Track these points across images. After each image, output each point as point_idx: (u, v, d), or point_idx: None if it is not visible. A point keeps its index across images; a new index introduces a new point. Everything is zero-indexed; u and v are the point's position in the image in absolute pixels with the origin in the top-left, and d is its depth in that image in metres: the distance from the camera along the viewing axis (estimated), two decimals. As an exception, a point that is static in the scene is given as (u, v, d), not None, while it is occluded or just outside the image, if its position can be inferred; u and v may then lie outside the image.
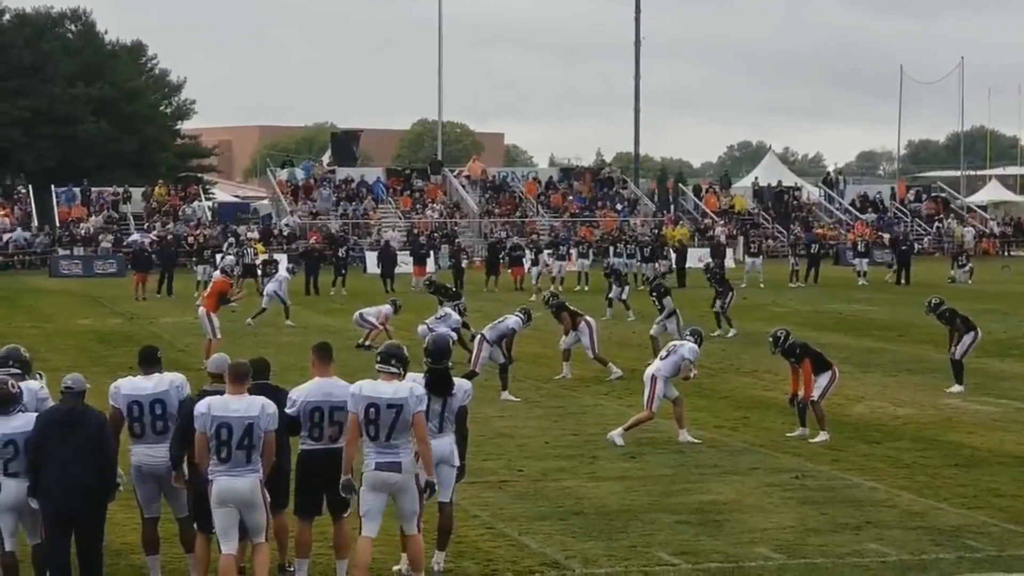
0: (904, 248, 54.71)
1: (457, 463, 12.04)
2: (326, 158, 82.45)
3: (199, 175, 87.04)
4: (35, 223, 66.81)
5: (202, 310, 27.32)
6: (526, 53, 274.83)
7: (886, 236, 69.98)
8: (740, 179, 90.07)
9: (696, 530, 13.91)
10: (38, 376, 12.86)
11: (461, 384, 12.18)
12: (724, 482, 16.22)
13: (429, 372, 11.95)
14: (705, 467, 17.13)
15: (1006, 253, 72.70)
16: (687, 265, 52.53)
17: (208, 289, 28.15)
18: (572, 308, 25.84)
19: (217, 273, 31.09)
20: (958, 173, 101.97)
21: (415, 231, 65.18)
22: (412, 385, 11.49)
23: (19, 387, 11.59)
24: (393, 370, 11.45)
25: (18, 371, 12.21)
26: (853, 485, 16.09)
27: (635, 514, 14.62)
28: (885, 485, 16.05)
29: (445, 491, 12.06)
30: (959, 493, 15.60)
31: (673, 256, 52.94)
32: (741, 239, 64.42)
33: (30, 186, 70.02)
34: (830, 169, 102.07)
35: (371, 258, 58.41)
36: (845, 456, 17.83)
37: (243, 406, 11.04)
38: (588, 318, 25.53)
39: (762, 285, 49.81)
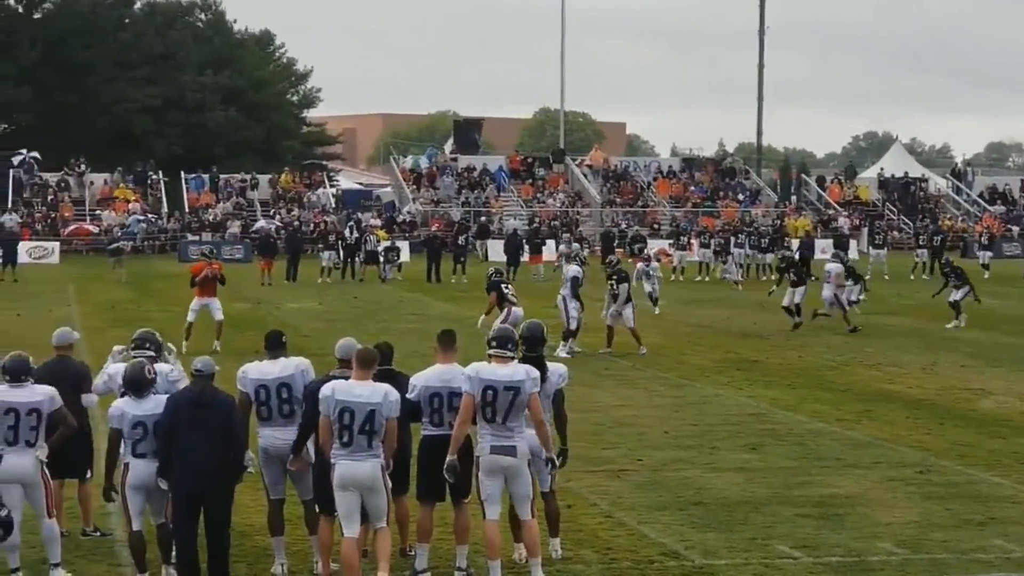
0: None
1: (549, 454, 11.99)
2: (448, 146, 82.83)
3: (324, 162, 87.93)
4: (165, 209, 67.96)
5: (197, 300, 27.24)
6: (647, 41, 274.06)
7: (1015, 229, 68.80)
8: (865, 170, 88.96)
9: (817, 523, 13.81)
10: (168, 354, 13.10)
11: (556, 368, 12.22)
12: (846, 475, 16.08)
13: (524, 359, 11.98)
14: (827, 460, 17.00)
15: None
16: (814, 256, 51.96)
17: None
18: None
19: (204, 252, 30.46)
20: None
21: (536, 220, 65.28)
22: (527, 367, 11.58)
23: (154, 372, 11.85)
24: (508, 354, 11.54)
25: (152, 354, 12.49)
26: (978, 481, 15.87)
27: (755, 506, 14.55)
28: (1011, 481, 15.81)
29: (543, 481, 12.10)
30: (1088, 491, 15.33)
31: (795, 246, 52.43)
32: (865, 230, 63.64)
33: (160, 172, 71.22)
34: (958, 160, 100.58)
35: (492, 245, 58.65)
36: (971, 451, 17.59)
37: (367, 392, 11.17)
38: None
39: (887, 277, 49.21)
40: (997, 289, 44.50)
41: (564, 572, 11.97)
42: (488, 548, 11.53)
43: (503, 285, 25.87)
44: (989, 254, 53.41)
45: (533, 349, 12.17)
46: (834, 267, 32.25)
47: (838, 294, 31.89)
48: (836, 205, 73.09)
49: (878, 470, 16.39)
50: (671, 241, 53.50)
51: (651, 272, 32.92)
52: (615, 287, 27.26)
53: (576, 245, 49.03)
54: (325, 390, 11.23)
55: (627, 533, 13.44)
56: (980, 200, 76.11)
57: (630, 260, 45.32)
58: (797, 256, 37.32)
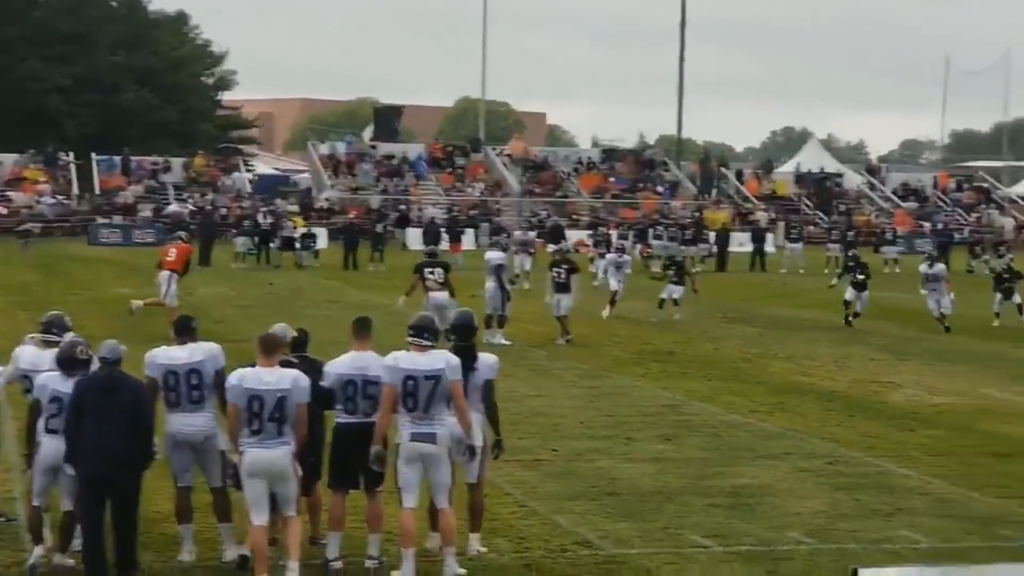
0: (945, 237, 54.46)
1: (480, 443, 11.95)
2: (368, 133, 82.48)
3: (239, 147, 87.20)
4: (75, 191, 67.10)
5: (166, 273, 27.37)
6: (569, 33, 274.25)
7: (927, 225, 69.64)
8: (782, 164, 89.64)
9: (729, 513, 13.89)
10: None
11: (486, 359, 12.14)
12: (758, 466, 16.19)
13: (454, 348, 11.93)
14: (740, 451, 17.10)
15: (1048, 244, 72.13)
16: (729, 249, 52.33)
17: (174, 255, 27.78)
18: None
19: (182, 235, 30.47)
20: (1001, 163, 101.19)
21: (455, 208, 65.18)
22: (447, 355, 11.53)
23: (90, 354, 11.63)
24: (426, 343, 11.47)
25: (58, 338, 12.29)
26: (886, 472, 16.03)
27: (668, 496, 14.61)
28: (918, 473, 15.98)
29: (471, 472, 12.03)
30: (994, 483, 15.51)
31: (713, 239, 52.80)
32: (782, 224, 64.15)
33: (71, 153, 70.28)
34: (873, 157, 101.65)
35: (412, 234, 58.54)
36: (880, 443, 17.77)
37: (275, 378, 11.07)
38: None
39: (802, 271, 49.64)
40: (908, 284, 44.98)
41: (476, 562, 11.93)
42: (402, 537, 11.44)
43: (426, 268, 25.73)
44: (896, 249, 53.99)
45: (464, 338, 12.10)
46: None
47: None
48: (754, 199, 73.62)
49: (789, 461, 16.51)
50: (590, 232, 53.60)
51: (621, 264, 32.67)
52: (561, 276, 27.51)
53: (532, 233, 48.63)
54: (232, 378, 11.13)
55: (540, 522, 13.43)
56: (893, 196, 76.93)
57: (592, 251, 45.57)
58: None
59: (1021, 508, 14.31)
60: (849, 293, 32.16)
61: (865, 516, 13.89)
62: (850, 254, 36.70)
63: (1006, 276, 33.99)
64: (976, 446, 17.65)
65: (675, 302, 31.70)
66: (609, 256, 33.64)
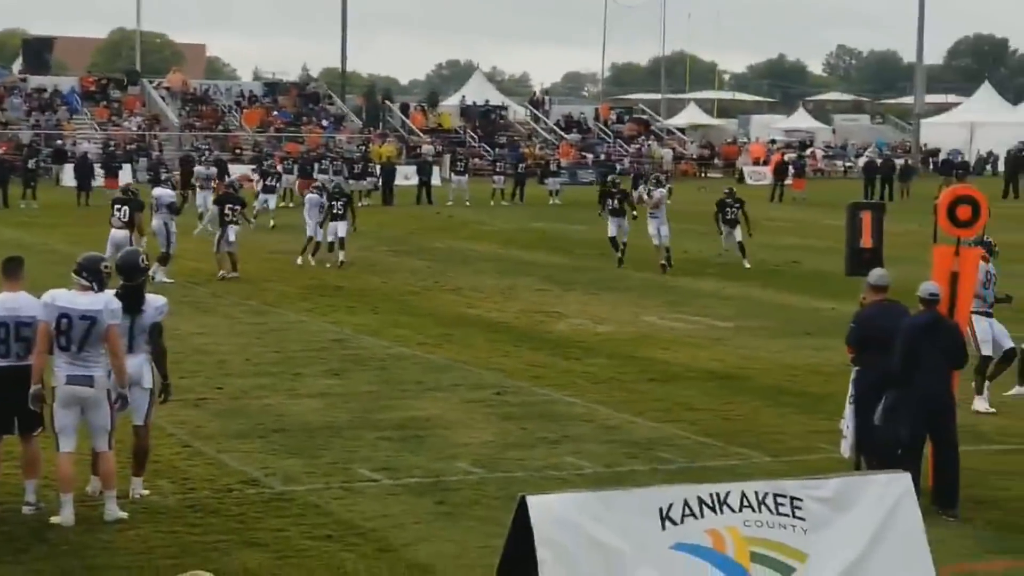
0: (608, 168, 55.86)
1: (149, 385, 11.66)
2: (17, 66, 79.08)
3: None
4: None
5: None
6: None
7: (589, 156, 71.29)
8: (448, 98, 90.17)
9: (398, 446, 13.89)
10: None
11: (154, 300, 11.79)
12: (426, 398, 16.25)
13: (120, 288, 11.54)
14: (408, 384, 17.13)
15: (703, 175, 74.88)
16: (395, 182, 52.40)
17: None
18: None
19: None
20: (659, 96, 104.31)
21: (111, 143, 63.19)
22: (108, 298, 11.16)
23: None
24: (85, 282, 11.06)
25: None
26: (552, 400, 16.32)
27: (337, 431, 14.52)
28: (583, 400, 16.32)
29: (138, 414, 11.68)
30: (654, 407, 15.98)
31: (378, 173, 52.73)
32: (448, 157, 64.60)
33: None
34: (536, 89, 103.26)
35: (68, 170, 56.48)
36: (546, 372, 18.07)
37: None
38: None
39: (468, 203, 50.11)
40: (572, 214, 46.03)
41: (139, 504, 11.58)
42: (61, 482, 11.09)
43: (116, 205, 25.75)
44: (559, 180, 55.08)
45: (130, 278, 11.67)
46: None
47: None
48: (419, 132, 73.86)
49: (457, 392, 16.63)
50: (254, 167, 52.75)
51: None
52: (235, 211, 27.20)
53: (214, 169, 46.97)
54: None
55: (205, 463, 13.15)
56: (557, 128, 78.41)
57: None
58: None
59: (680, 431, 14.78)
60: (612, 227, 31.01)
61: (532, 444, 14.09)
62: (609, 179, 35.03)
63: (729, 203, 31.38)
64: (638, 373, 18.14)
65: (341, 242, 29.82)
66: (311, 197, 31.14)
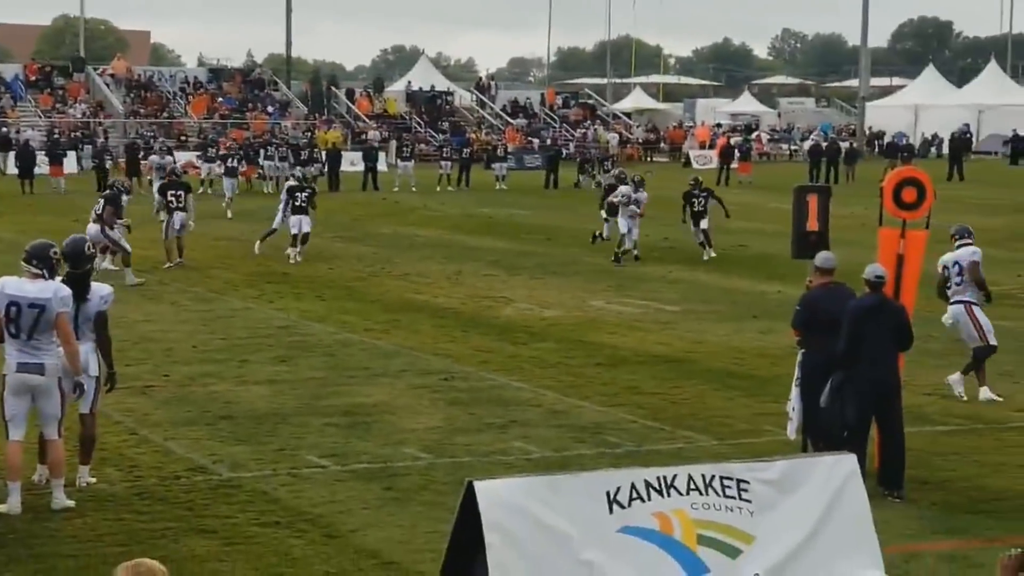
0: (555, 153, 55.85)
1: (95, 373, 11.59)
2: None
3: None
4: None
5: None
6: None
7: (535, 141, 71.26)
8: (393, 83, 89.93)
9: (345, 432, 13.86)
10: None
11: (99, 289, 11.72)
12: (374, 384, 16.23)
13: (68, 276, 11.46)
14: (355, 370, 17.09)
15: (648, 159, 75.02)
16: (341, 168, 52.21)
17: None
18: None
19: None
20: (605, 81, 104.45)
21: (56, 131, 62.64)
22: (57, 286, 11.11)
23: None
24: (35, 270, 10.99)
25: None
26: (500, 385, 16.32)
27: (284, 417, 14.48)
28: (531, 385, 16.33)
29: (84, 402, 11.61)
30: (601, 391, 16.02)
31: (324, 159, 52.53)
32: (394, 143, 64.40)
33: None
34: (482, 74, 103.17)
35: (10, 158, 55.92)
36: (493, 357, 18.07)
37: None
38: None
39: (414, 189, 50.00)
40: (518, 199, 46.03)
41: (87, 492, 11.51)
42: (8, 470, 11.04)
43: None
44: (505, 165, 55.03)
45: (76, 266, 11.58)
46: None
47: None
48: (365, 117, 73.61)
49: (404, 378, 16.61)
50: (199, 153, 52.44)
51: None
52: (180, 198, 26.96)
53: (169, 157, 46.69)
54: None
55: (152, 450, 13.09)
56: (503, 113, 78.35)
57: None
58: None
59: (627, 415, 14.82)
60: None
61: (480, 429, 14.10)
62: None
63: (696, 193, 29.80)
64: (585, 357, 18.17)
65: (304, 237, 28.47)
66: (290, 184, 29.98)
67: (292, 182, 29.91)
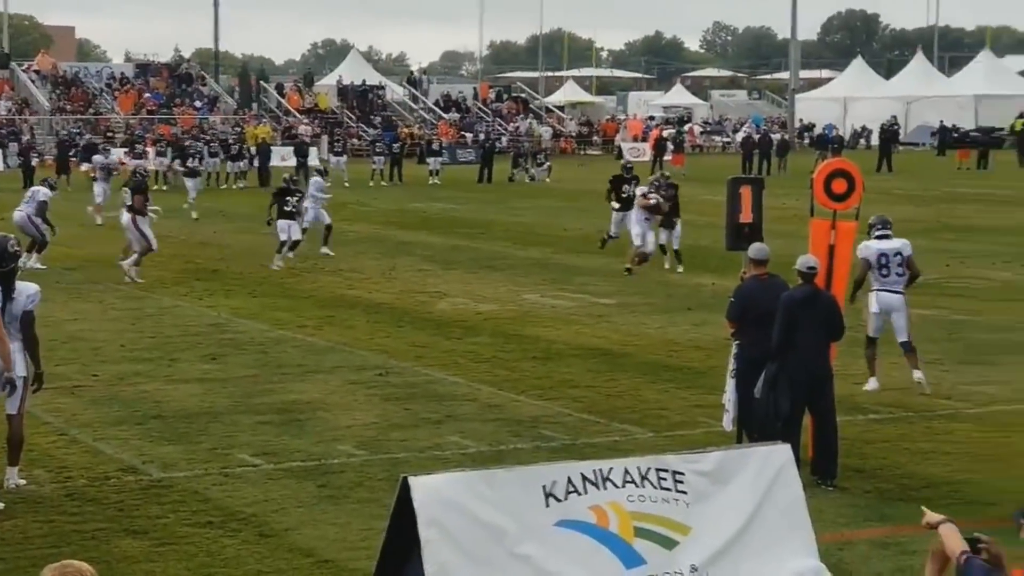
0: (489, 147, 55.83)
1: (21, 373, 11.38)
2: None
3: None
4: None
5: None
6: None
7: (469, 136, 71.18)
8: (324, 77, 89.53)
9: (279, 430, 13.74)
10: None
11: (25, 288, 11.53)
12: (308, 381, 16.11)
13: (-8, 275, 11.27)
14: (288, 367, 16.96)
15: (582, 151, 75.18)
16: (271, 163, 51.93)
17: None
18: None
19: None
20: (537, 74, 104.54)
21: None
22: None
23: None
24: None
25: None
26: (435, 380, 16.25)
27: (216, 416, 14.33)
28: (466, 380, 16.27)
29: (12, 403, 11.42)
30: (536, 385, 15.98)
31: (254, 153, 52.24)
32: (325, 138, 64.12)
33: None
34: (414, 68, 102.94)
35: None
36: (428, 352, 17.99)
37: None
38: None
39: (347, 184, 49.77)
40: (452, 194, 45.97)
41: (15, 495, 11.33)
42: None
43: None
44: (441, 160, 54.95)
45: (1, 264, 11.39)
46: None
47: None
48: (296, 112, 73.24)
49: (339, 374, 16.50)
50: (127, 149, 52.01)
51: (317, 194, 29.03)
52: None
53: (114, 156, 46.32)
54: None
55: (82, 451, 12.93)
56: (436, 108, 78.19)
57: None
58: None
59: (563, 408, 14.79)
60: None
61: (415, 425, 14.02)
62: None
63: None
64: (520, 351, 18.13)
65: (294, 244, 27.08)
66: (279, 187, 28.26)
67: (281, 184, 27.95)
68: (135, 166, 46.37)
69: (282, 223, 26.57)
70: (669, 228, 26.43)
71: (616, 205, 27.76)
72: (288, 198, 26.88)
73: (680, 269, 26.06)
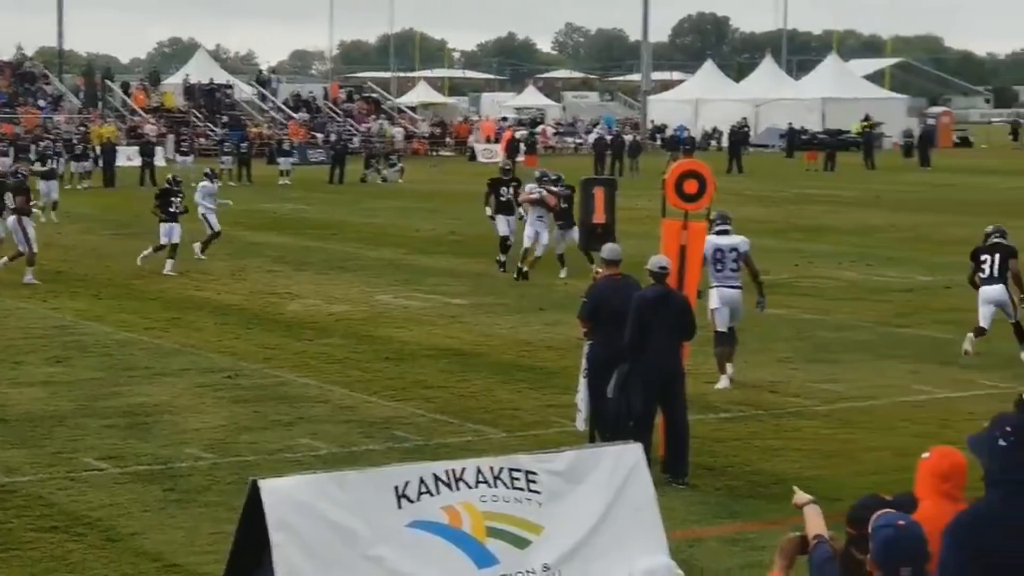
0: (340, 147, 55.49)
1: None
2: None
3: None
4: None
5: None
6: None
7: (320, 136, 70.67)
8: (170, 76, 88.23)
9: (125, 434, 13.49)
10: None
11: None
12: (155, 384, 15.84)
13: None
14: (135, 370, 16.66)
15: (435, 152, 75.09)
16: (116, 163, 51.03)
17: None
18: None
19: None
20: (389, 75, 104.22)
21: None
22: None
23: None
24: None
25: None
26: (286, 382, 16.08)
27: (60, 419, 14.04)
28: (318, 381, 16.13)
29: None
30: (389, 386, 15.89)
31: (99, 153, 51.29)
32: (171, 137, 63.20)
33: None
34: (263, 67, 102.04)
35: None
36: (278, 354, 17.81)
37: None
38: None
39: (194, 185, 49.01)
40: (303, 194, 45.60)
41: None
42: None
43: None
44: (291, 160, 54.42)
45: None
46: None
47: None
48: (142, 112, 72.11)
49: (187, 377, 16.25)
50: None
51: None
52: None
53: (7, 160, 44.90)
54: None
55: (-81, 458, 12.55)
56: (285, 107, 77.53)
57: None
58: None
59: (415, 409, 14.72)
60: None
61: (265, 427, 13.86)
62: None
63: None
64: (372, 352, 18.02)
65: (174, 248, 25.93)
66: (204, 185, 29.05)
67: (164, 185, 27.21)
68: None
69: (164, 227, 25.84)
70: (566, 229, 23.74)
71: (489, 211, 26.49)
72: (172, 199, 26.26)
73: (563, 274, 23.98)
